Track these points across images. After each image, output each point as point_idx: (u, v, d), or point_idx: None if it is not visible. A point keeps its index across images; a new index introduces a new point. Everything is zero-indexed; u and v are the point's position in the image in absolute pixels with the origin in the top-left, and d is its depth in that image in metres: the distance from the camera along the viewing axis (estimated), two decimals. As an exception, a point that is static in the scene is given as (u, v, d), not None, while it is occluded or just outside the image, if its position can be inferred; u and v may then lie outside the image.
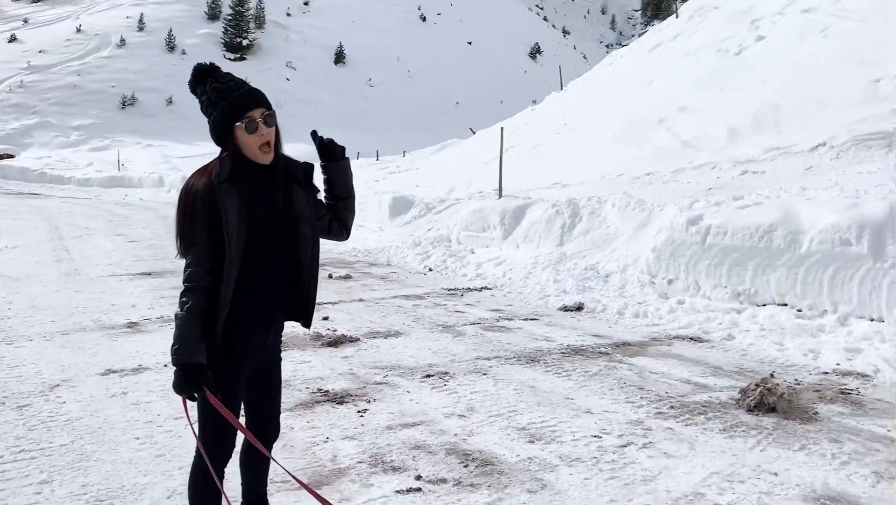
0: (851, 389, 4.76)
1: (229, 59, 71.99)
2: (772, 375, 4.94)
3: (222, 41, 73.04)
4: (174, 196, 23.70)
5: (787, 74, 11.44)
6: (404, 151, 36.82)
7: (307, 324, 2.39)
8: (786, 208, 6.97)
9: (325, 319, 6.56)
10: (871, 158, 8.33)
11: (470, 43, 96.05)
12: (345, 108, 65.82)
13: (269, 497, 2.60)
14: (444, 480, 3.22)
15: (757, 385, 4.48)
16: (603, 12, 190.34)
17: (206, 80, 2.23)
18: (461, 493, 3.10)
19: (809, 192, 7.34)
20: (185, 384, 2.11)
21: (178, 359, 2.10)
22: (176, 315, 2.15)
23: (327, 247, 12.77)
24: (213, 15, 77.02)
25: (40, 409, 4.13)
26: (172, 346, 2.12)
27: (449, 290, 8.42)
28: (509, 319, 6.78)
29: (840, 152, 8.71)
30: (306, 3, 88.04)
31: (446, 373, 4.94)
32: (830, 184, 7.71)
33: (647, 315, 6.95)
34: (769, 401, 4.33)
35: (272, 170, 2.23)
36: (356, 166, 28.88)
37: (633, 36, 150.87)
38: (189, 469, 2.40)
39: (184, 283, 2.15)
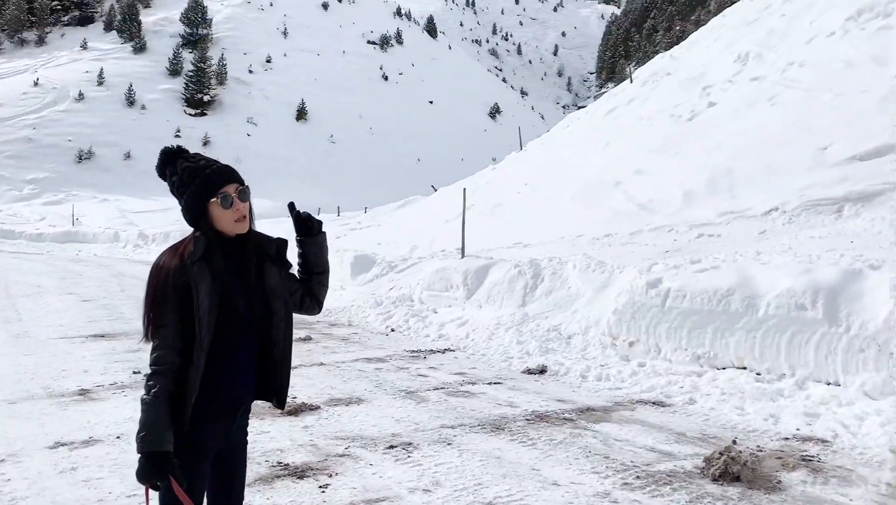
0: (812, 456, 4.79)
1: (190, 114, 71.99)
2: (734, 443, 4.96)
3: (183, 97, 73.11)
4: (129, 252, 23.31)
5: (739, 140, 11.85)
6: (366, 208, 36.95)
7: (280, 405, 2.33)
8: (742, 272, 7.12)
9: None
10: (822, 223, 8.61)
11: (431, 102, 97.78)
12: (306, 163, 65.99)
13: None
14: (409, 562, 3.13)
15: (721, 453, 4.49)
16: (559, 74, 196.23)
17: (175, 162, 2.21)
18: (428, 576, 3.01)
19: (764, 257, 7.52)
20: (152, 473, 2.02)
21: (145, 447, 2.01)
22: (143, 399, 2.07)
23: (287, 306, 12.64)
24: (174, 71, 77.17)
25: (-17, 487, 3.93)
26: (139, 432, 2.03)
27: (412, 351, 8.35)
28: (473, 384, 6.72)
29: (792, 217, 8.99)
30: (268, 61, 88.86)
31: (410, 443, 4.85)
32: (784, 248, 7.92)
33: (610, 378, 6.96)
34: (733, 470, 4.33)
35: (245, 245, 2.22)
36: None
37: (588, 97, 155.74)
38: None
39: (151, 365, 2.08)
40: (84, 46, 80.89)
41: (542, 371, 7.29)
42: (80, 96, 67.59)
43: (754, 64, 15.58)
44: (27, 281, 16.28)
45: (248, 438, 2.41)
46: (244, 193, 2.20)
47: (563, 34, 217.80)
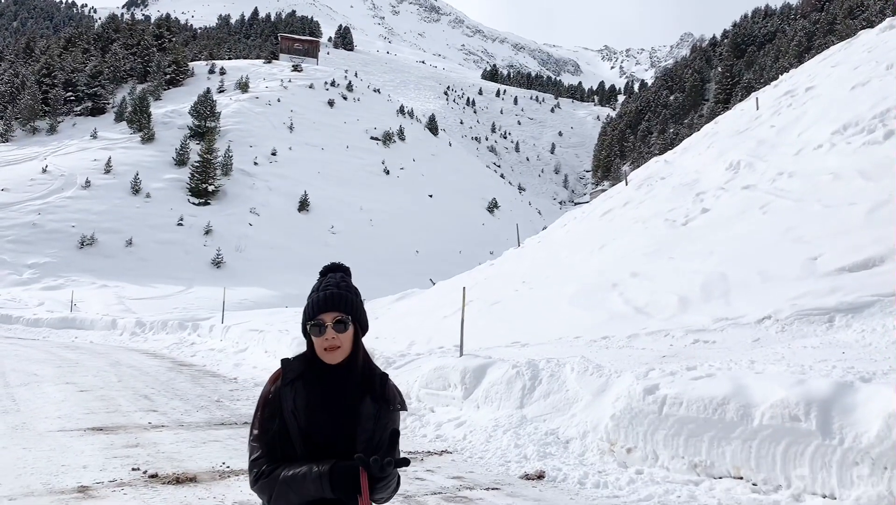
0: (810, 572, 4.81)
1: (193, 203, 73.10)
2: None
3: (188, 186, 74.44)
4: (126, 340, 23.35)
5: (732, 246, 12.20)
6: (364, 299, 37.01)
7: None
8: (737, 381, 7.25)
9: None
10: (814, 333, 8.80)
11: (431, 196, 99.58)
12: (307, 253, 66.47)
13: None
14: None
15: (718, 568, 4.52)
16: (556, 172, 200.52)
17: (322, 276, 2.36)
18: None
19: (758, 366, 7.66)
20: (345, 483, 2.06)
21: (324, 483, 2.07)
22: (260, 489, 2.15)
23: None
24: (181, 161, 78.89)
25: (-14, 590, 3.95)
26: (312, 474, 2.09)
27: (409, 452, 8.35)
28: (470, 489, 6.74)
29: (785, 326, 9.20)
30: (274, 154, 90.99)
31: (410, 550, 4.87)
32: (778, 357, 8.07)
33: (608, 485, 6.98)
34: (731, 586, 4.36)
35: (346, 373, 2.25)
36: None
37: (584, 194, 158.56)
38: None
39: (257, 475, 2.17)
40: (94, 136, 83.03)
41: (540, 476, 7.31)
42: (87, 183, 68.84)
43: (746, 172, 16.15)
44: (24, 369, 16.24)
45: None
46: (341, 324, 2.21)
47: (560, 133, 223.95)
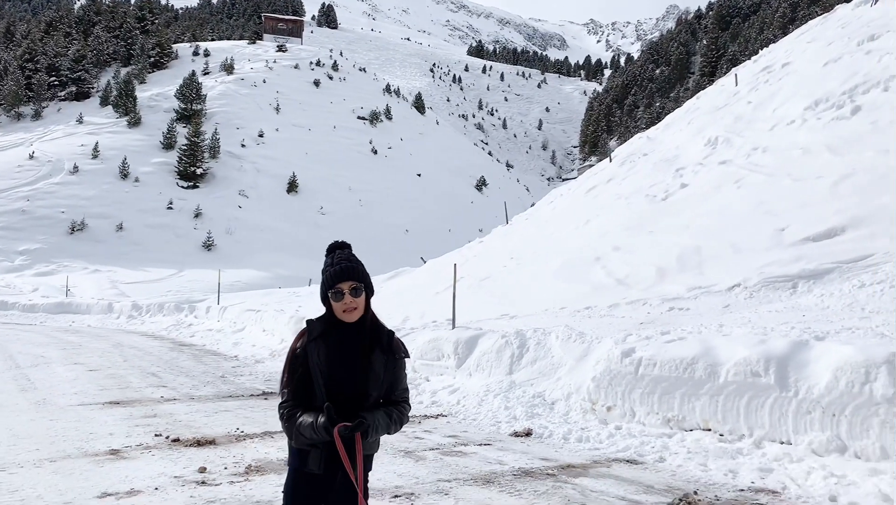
0: (762, 503, 5.53)
1: (182, 186, 73.22)
2: (695, 493, 5.70)
3: (176, 169, 74.51)
4: (123, 323, 23.90)
5: (707, 220, 12.88)
6: (356, 279, 37.56)
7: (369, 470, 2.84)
8: (706, 343, 7.95)
9: (296, 445, 7.10)
10: (779, 298, 9.51)
11: (419, 175, 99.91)
12: (297, 235, 66.96)
13: None
14: (419, 581, 3.83)
15: (680, 500, 5.24)
16: (544, 148, 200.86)
17: (331, 252, 2.90)
18: (434, 590, 3.71)
19: (726, 329, 8.35)
20: (327, 425, 2.61)
21: (320, 431, 2.61)
22: (299, 424, 2.67)
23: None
24: (168, 144, 78.85)
25: (51, 528, 4.60)
26: (304, 429, 2.62)
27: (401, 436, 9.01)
28: (465, 445, 7.42)
29: (752, 293, 9.89)
30: (261, 136, 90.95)
31: (412, 493, 5.55)
32: (744, 321, 8.78)
33: (590, 439, 7.68)
34: (690, 513, 5.07)
35: (359, 330, 2.78)
36: (308, 292, 29.06)
37: (572, 170, 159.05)
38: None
39: (285, 414, 2.75)
40: (80, 121, 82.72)
41: (528, 434, 8.00)
42: (75, 169, 68.82)
43: (723, 148, 16.80)
44: (30, 352, 16.78)
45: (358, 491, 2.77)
46: (356, 291, 2.74)
47: (547, 109, 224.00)
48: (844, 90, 14.98)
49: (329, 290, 2.78)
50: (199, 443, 7.19)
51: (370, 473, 2.90)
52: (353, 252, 2.99)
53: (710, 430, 7.49)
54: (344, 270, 2.78)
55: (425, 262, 28.70)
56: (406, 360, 2.96)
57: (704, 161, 16.49)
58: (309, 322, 2.85)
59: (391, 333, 2.89)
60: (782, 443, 6.91)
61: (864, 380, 6.48)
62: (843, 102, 14.52)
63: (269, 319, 19.75)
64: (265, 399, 10.40)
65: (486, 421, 8.70)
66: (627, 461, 6.85)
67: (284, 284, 45.86)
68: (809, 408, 6.78)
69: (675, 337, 8.46)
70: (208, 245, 61.92)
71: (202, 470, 6.12)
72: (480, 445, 7.45)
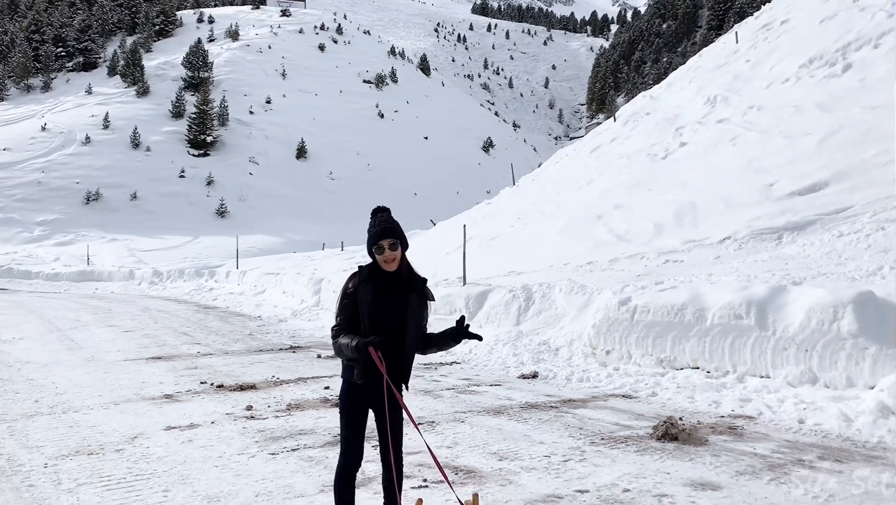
0: (738, 426, 6.36)
1: (193, 154, 73.92)
2: (680, 419, 6.53)
3: (186, 138, 75.17)
4: (145, 289, 24.88)
5: (703, 178, 13.55)
6: (368, 242, 38.34)
7: (406, 385, 3.60)
8: (695, 290, 8.73)
9: (327, 388, 7.99)
10: (765, 249, 10.24)
11: (426, 138, 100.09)
12: (307, 200, 67.76)
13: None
14: (441, 482, 4.71)
15: (664, 422, 6.07)
16: (550, 106, 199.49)
17: (374, 215, 3.61)
18: (456, 487, 4.58)
19: (714, 277, 9.13)
20: (368, 347, 3.31)
21: (363, 345, 3.32)
22: (339, 343, 3.42)
23: (308, 332, 14.20)
24: (177, 113, 79.39)
25: (133, 451, 5.50)
26: (351, 345, 3.33)
27: (424, 364, 9.90)
28: (477, 386, 8.29)
29: (742, 244, 10.63)
30: (268, 102, 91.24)
31: (433, 422, 6.42)
32: (732, 270, 9.54)
33: (590, 379, 8.53)
34: (672, 432, 5.91)
35: (398, 277, 3.47)
36: (322, 256, 29.92)
37: (579, 128, 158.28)
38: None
39: (334, 334, 3.51)
40: (89, 91, 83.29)
41: (534, 376, 8.87)
42: (87, 140, 69.63)
43: (721, 107, 17.36)
44: (65, 316, 17.74)
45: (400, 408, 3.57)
46: (394, 246, 3.40)
47: (554, 67, 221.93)
48: (838, 48, 15.46)
49: (373, 246, 3.54)
50: (241, 388, 8.10)
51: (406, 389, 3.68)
52: (390, 214, 3.77)
53: (698, 368, 8.31)
54: (384, 230, 3.52)
55: (435, 224, 29.47)
56: (431, 303, 3.77)
57: (703, 120, 17.07)
58: (361, 267, 3.61)
59: (424, 280, 3.65)
60: (762, 377, 7.73)
61: (833, 318, 7.26)
62: (835, 60, 15.02)
63: (289, 281, 20.63)
64: (293, 352, 11.30)
65: (497, 366, 9.56)
66: (623, 396, 7.69)
67: (297, 248, 46.76)
68: (785, 345, 7.59)
69: (667, 286, 9.24)
70: (221, 212, 62.86)
71: (249, 408, 7.02)
72: (491, 385, 8.31)
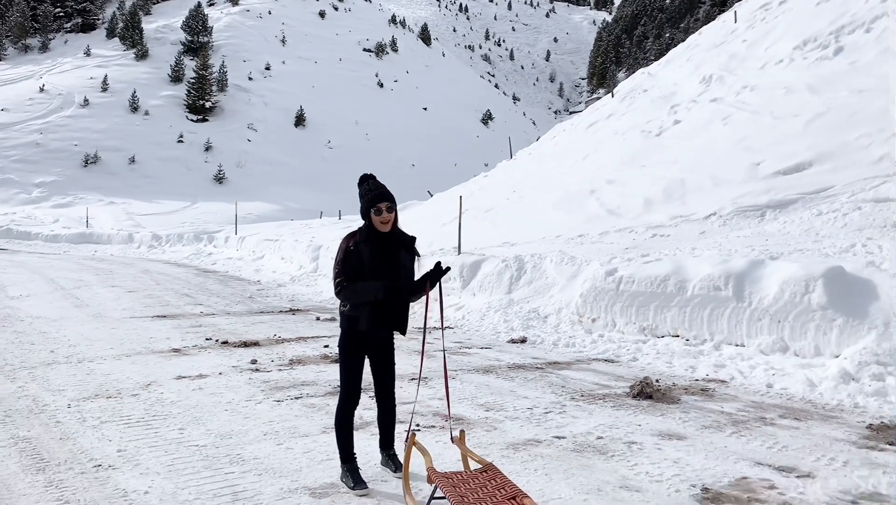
0: (710, 389, 6.83)
1: (192, 119, 73.80)
2: (656, 380, 7.00)
3: (185, 103, 75.02)
4: (144, 252, 25.29)
5: (693, 155, 13.93)
6: (365, 212, 38.66)
7: (403, 332, 4.12)
8: (677, 263, 9.18)
9: (326, 346, 8.44)
10: (748, 225, 10.68)
11: (425, 109, 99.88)
12: (305, 168, 67.90)
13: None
14: (433, 427, 5.18)
15: (640, 382, 6.55)
16: (551, 80, 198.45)
17: (364, 183, 4.07)
18: (445, 432, 5.06)
19: (698, 251, 9.57)
20: (387, 294, 3.87)
21: (379, 291, 3.87)
22: (356, 288, 3.91)
23: (307, 297, 14.63)
24: (176, 77, 79.09)
25: (148, 396, 5.95)
26: (364, 292, 3.88)
27: (418, 328, 10.33)
28: (469, 348, 8.75)
29: (726, 220, 11.05)
30: (268, 69, 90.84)
31: (426, 378, 6.88)
32: (715, 245, 9.98)
33: (575, 345, 9.00)
34: (647, 391, 6.38)
35: (390, 236, 4.00)
36: (320, 224, 30.27)
37: (580, 103, 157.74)
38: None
39: (343, 287, 3.96)
40: (87, 53, 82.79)
41: (523, 341, 9.33)
42: (86, 102, 69.47)
43: (716, 86, 17.68)
44: (68, 276, 18.13)
45: (393, 349, 4.20)
46: (390, 209, 3.90)
47: (555, 40, 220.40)
48: (832, 30, 15.76)
49: (371, 208, 3.99)
50: (245, 344, 8.55)
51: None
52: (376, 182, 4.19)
53: (678, 336, 8.78)
54: (382, 194, 4.01)
55: (432, 195, 29.84)
56: (418, 259, 4.23)
57: (698, 98, 17.39)
58: (359, 228, 4.08)
59: (413, 238, 4.16)
60: (737, 345, 8.20)
61: (805, 291, 7.71)
62: (828, 43, 15.33)
63: (288, 247, 21.03)
64: (293, 314, 11.75)
65: (488, 331, 10.02)
66: (605, 360, 8.16)
67: (295, 216, 47.10)
68: (760, 316, 8.05)
69: (652, 259, 9.69)
70: (219, 178, 63.02)
71: (254, 361, 7.47)
72: (482, 348, 8.78)
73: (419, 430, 5.05)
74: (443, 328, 4.35)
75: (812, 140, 11.75)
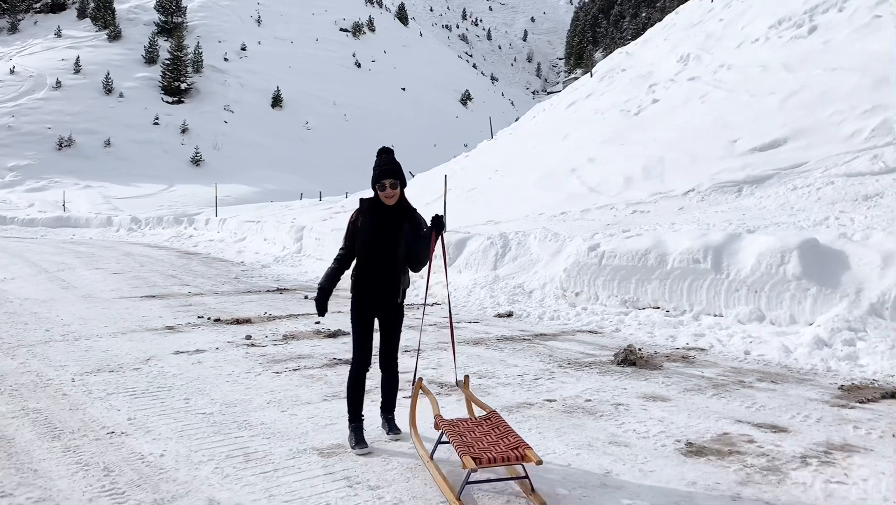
0: (690, 356, 7.12)
1: (167, 101, 72.92)
2: (639, 349, 7.28)
3: (160, 84, 74.05)
4: (124, 235, 25.21)
5: (672, 134, 14.21)
6: (347, 193, 38.84)
7: (401, 299, 4.33)
8: (658, 237, 9.46)
9: (318, 322, 8.63)
10: (726, 200, 10.99)
11: (403, 89, 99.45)
12: (282, 150, 67.50)
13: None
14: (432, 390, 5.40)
15: (624, 350, 6.82)
16: (529, 60, 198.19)
17: (379, 156, 4.25)
18: (441, 396, 5.29)
19: (677, 226, 9.85)
20: (318, 298, 4.18)
21: (319, 284, 4.18)
22: (328, 268, 4.23)
23: (293, 277, 14.77)
24: (150, 59, 77.96)
25: (150, 370, 6.11)
26: (320, 281, 4.20)
27: (406, 305, 10.55)
28: (457, 322, 8.98)
29: (704, 196, 11.36)
30: (244, 49, 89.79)
31: (420, 350, 7.10)
32: (693, 220, 10.27)
33: (560, 318, 9.27)
34: (631, 358, 6.66)
35: (395, 210, 4.24)
36: (300, 206, 30.36)
37: (557, 83, 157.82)
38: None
39: (337, 256, 4.24)
40: (58, 34, 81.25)
41: (510, 315, 9.58)
42: (58, 84, 68.33)
43: (693, 65, 17.94)
44: (50, 259, 18.09)
45: (400, 315, 4.39)
46: (394, 185, 4.12)
47: (533, 19, 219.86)
48: (806, 9, 16.07)
49: (376, 183, 4.20)
50: (237, 321, 8.71)
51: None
52: (393, 154, 4.36)
53: (658, 308, 9.08)
54: (387, 171, 4.21)
55: (413, 176, 29.92)
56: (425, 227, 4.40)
57: (676, 77, 17.66)
58: (361, 200, 4.30)
59: (415, 209, 4.35)
60: (715, 316, 8.52)
61: (780, 262, 8.03)
62: (802, 21, 15.64)
63: (270, 229, 21.10)
64: (280, 294, 11.90)
65: (475, 307, 10.26)
66: (589, 331, 8.44)
67: (274, 198, 46.96)
68: (737, 287, 8.36)
69: (633, 234, 9.96)
70: (196, 161, 62.49)
71: (248, 337, 7.65)
72: (470, 322, 9.01)
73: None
74: (445, 267, 4.57)
75: (787, 117, 12.06)
